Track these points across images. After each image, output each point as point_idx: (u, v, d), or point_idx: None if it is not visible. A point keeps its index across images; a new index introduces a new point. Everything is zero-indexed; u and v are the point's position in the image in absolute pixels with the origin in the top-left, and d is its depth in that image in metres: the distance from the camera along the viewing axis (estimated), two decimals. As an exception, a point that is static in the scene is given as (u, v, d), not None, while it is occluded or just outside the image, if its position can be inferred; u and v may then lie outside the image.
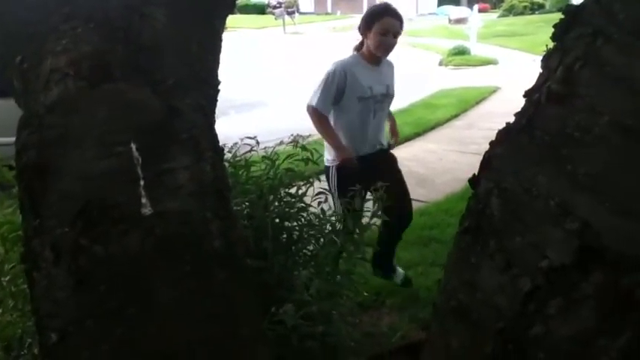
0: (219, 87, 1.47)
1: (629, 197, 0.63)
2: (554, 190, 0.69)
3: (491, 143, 0.82)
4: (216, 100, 1.46)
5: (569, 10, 0.73)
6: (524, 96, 0.79)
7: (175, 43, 1.28)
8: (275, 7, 31.82)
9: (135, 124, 1.14)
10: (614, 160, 0.64)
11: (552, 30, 0.75)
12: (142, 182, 1.10)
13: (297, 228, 2.42)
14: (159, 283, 1.05)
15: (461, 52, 15.67)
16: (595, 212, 0.65)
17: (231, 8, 1.64)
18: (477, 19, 17.28)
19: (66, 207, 1.07)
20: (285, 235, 2.41)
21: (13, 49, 1.29)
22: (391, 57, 3.38)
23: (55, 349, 1.02)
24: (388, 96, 3.31)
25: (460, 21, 26.05)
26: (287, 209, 2.43)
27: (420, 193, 5.04)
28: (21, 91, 1.28)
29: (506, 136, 0.79)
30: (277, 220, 2.42)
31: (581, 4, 0.72)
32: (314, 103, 3.15)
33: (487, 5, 37.71)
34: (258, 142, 2.51)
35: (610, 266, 0.65)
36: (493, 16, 32.83)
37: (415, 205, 4.39)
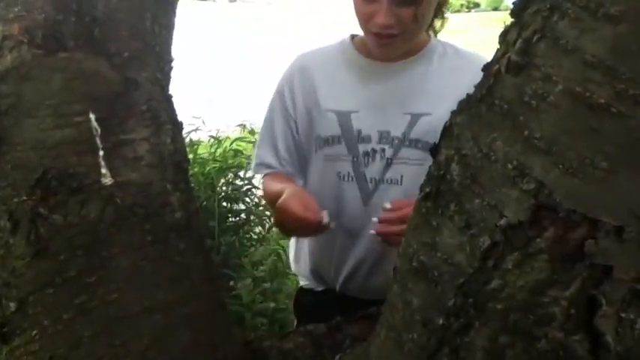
0: (173, 63, 1.47)
1: (579, 159, 0.69)
2: (511, 154, 0.75)
3: (452, 113, 0.87)
4: (170, 76, 1.46)
5: (526, -12, 0.79)
6: (483, 70, 0.85)
7: (129, 17, 1.27)
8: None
9: (92, 94, 1.13)
10: (566, 124, 0.70)
11: (486, 27, 0.81)
12: (101, 152, 1.09)
13: (244, 209, 2.44)
14: (118, 252, 1.05)
15: (400, 46, 15.96)
16: (549, 173, 0.71)
17: (185, -15, 1.63)
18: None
19: (22, 176, 1.05)
20: (231, 217, 2.43)
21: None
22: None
23: (14, 317, 1.01)
24: (410, 146, 1.40)
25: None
26: (234, 191, 2.44)
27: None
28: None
29: (466, 105, 0.84)
30: (224, 203, 2.43)
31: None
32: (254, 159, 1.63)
33: (425, 2, 38.42)
34: (204, 122, 2.50)
35: (562, 222, 0.71)
36: (430, 12, 33.52)
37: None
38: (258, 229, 2.58)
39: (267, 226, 2.58)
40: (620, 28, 0.64)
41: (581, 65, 0.68)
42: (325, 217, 1.30)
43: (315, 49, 1.58)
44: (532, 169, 0.72)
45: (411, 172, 1.38)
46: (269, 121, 1.58)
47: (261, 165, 1.59)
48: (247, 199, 2.57)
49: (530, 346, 0.75)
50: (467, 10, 33.19)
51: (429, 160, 1.15)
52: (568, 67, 0.69)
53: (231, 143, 2.58)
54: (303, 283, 1.65)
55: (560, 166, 0.70)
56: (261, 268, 2.19)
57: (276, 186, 1.47)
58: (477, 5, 34.11)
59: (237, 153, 2.54)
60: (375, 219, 1.29)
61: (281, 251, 2.32)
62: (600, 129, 0.67)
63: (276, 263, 2.22)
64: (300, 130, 1.52)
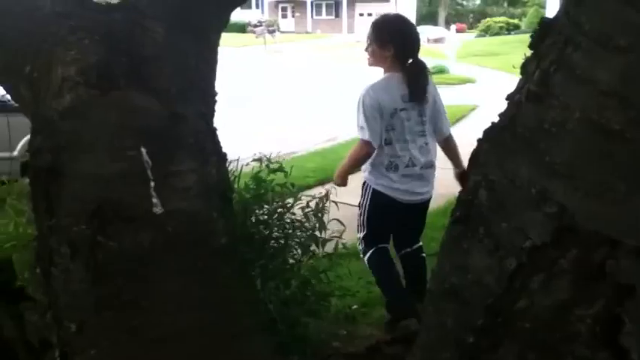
0: (216, 97, 1.55)
1: (597, 182, 0.73)
2: (534, 179, 0.79)
3: (479, 141, 0.92)
4: (214, 110, 1.54)
5: (544, 22, 0.84)
6: (507, 99, 0.89)
7: (175, 55, 1.34)
8: (256, 26, 32.03)
9: (143, 129, 1.21)
10: (584, 150, 0.74)
11: (527, 49, 0.86)
12: (152, 184, 1.17)
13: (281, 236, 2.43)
14: (169, 277, 1.12)
15: (440, 70, 15.91)
16: (570, 197, 0.75)
17: (226, 23, 1.71)
18: (455, 38, 17.61)
19: (81, 207, 1.14)
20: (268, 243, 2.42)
21: (15, 61, 1.35)
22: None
23: (74, 338, 1.09)
24: None
25: (438, 40, 26.48)
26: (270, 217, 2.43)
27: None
28: (31, 99, 1.33)
29: (491, 133, 0.89)
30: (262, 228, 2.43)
31: (554, 16, 0.83)
32: None
33: (464, 26, 38.39)
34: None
35: (584, 244, 0.74)
36: (470, 36, 33.42)
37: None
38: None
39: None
40: (629, 59, 0.68)
41: (595, 94, 0.72)
42: None
43: None
44: (554, 193, 0.76)
45: None
46: None
47: None
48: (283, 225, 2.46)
49: (558, 363, 0.78)
50: (507, 32, 32.94)
51: None
52: (583, 95, 0.74)
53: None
54: None
55: (581, 190, 0.74)
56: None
57: None
58: (517, 27, 33.79)
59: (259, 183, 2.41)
60: None
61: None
62: (616, 153, 0.71)
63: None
64: None
